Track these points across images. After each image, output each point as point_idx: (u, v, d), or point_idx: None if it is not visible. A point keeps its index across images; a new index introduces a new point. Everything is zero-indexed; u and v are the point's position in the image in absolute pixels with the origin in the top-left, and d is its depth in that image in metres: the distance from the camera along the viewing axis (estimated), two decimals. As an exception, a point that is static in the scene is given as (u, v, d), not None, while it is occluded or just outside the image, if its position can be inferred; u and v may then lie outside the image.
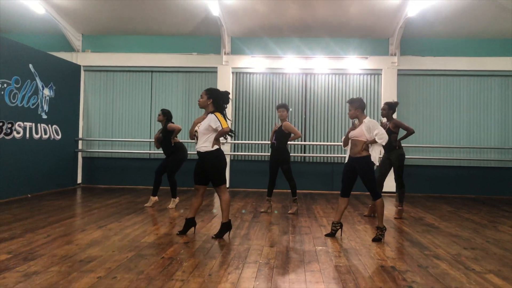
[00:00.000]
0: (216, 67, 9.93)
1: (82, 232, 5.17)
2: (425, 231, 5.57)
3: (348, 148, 5.11)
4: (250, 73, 10.07)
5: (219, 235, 4.98)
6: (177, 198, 7.24)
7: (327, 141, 9.89)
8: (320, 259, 4.18)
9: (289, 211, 6.77)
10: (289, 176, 6.72)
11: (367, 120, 5.01)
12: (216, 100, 4.93)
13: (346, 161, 5.16)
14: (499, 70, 9.62)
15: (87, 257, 4.08)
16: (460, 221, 6.40)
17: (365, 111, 5.19)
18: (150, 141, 10.07)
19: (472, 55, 9.65)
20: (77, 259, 4.02)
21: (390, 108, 6.45)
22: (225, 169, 5.03)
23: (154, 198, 7.24)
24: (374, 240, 4.97)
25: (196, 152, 5.00)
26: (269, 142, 6.90)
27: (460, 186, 9.68)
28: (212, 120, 4.83)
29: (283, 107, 6.68)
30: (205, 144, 4.86)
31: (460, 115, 9.80)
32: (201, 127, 4.88)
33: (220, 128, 4.81)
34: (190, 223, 5.13)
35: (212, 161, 4.86)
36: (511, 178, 9.62)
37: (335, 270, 3.84)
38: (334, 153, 9.91)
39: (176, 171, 7.03)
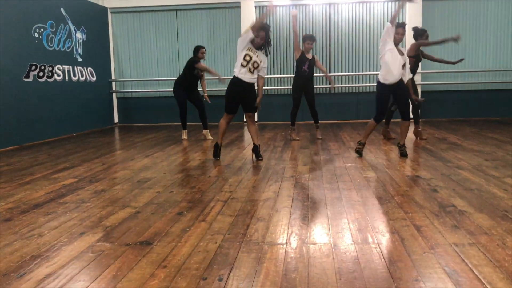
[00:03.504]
0: (239, 2, 9.97)
1: (132, 161, 5.74)
2: (449, 149, 5.90)
3: (381, 76, 5.28)
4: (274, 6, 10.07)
5: (260, 156, 5.48)
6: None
7: (352, 71, 10.02)
8: (350, 172, 4.62)
9: (319, 136, 7.17)
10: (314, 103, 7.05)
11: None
12: (267, 41, 5.21)
13: (381, 88, 5.35)
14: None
15: (142, 178, 4.64)
16: (483, 139, 6.68)
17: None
18: (179, 79, 10.43)
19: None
20: (135, 180, 4.57)
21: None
22: None
23: (206, 131, 7.70)
24: (403, 155, 5.33)
25: (239, 80, 5.17)
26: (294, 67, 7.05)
27: (485, 109, 9.82)
28: (266, 60, 5.25)
29: (311, 39, 6.85)
30: (255, 76, 5.22)
31: (487, 38, 9.68)
32: (263, 63, 5.18)
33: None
34: (220, 146, 5.62)
35: (255, 92, 5.35)
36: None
37: (364, 180, 4.28)
38: (359, 83, 10.09)
39: None
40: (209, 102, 7.67)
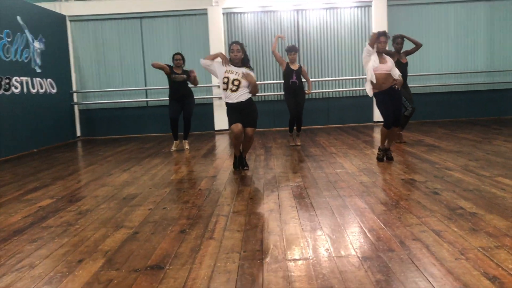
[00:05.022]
0: (206, 9, 9.77)
1: (110, 176, 5.38)
2: (429, 150, 6.00)
3: (374, 82, 5.24)
4: (241, 13, 9.97)
5: (246, 165, 5.36)
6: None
7: (321, 77, 10.08)
8: (344, 178, 4.55)
9: (298, 143, 7.11)
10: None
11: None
12: (245, 54, 5.08)
13: (372, 94, 5.31)
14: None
15: (128, 195, 4.33)
16: (457, 140, 6.87)
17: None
18: (146, 89, 10.08)
19: (460, -19, 9.79)
20: (120, 197, 4.26)
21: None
22: None
23: (185, 141, 7.45)
24: (389, 158, 5.35)
25: (227, 104, 5.09)
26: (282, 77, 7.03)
27: (451, 110, 10.17)
28: (251, 74, 5.02)
29: (294, 49, 6.81)
30: (246, 94, 5.02)
31: (449, 42, 10.06)
32: (244, 81, 4.97)
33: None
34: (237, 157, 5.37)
35: (255, 107, 5.16)
36: (498, 99, 10.16)
37: (361, 185, 4.21)
38: (329, 89, 10.16)
39: None
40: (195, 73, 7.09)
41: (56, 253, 2.83)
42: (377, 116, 10.01)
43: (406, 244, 2.64)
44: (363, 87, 10.13)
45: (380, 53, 5.22)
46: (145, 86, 10.11)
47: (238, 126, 4.96)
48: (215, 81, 9.90)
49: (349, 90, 10.13)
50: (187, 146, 7.39)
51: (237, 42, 5.09)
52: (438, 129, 8.37)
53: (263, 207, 3.64)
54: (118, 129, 10.25)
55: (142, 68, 10.13)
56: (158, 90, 10.01)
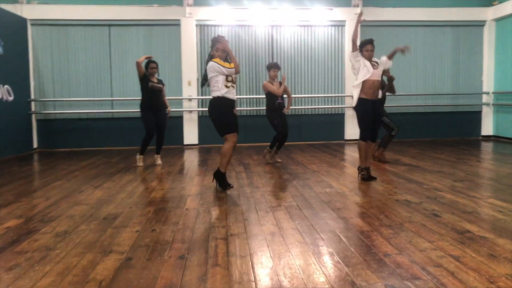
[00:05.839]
0: (179, 20, 9.51)
1: (81, 193, 4.95)
2: (410, 170, 6.02)
3: (361, 92, 5.21)
4: (215, 26, 9.78)
5: (229, 184, 5.10)
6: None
7: (295, 94, 10.03)
8: (337, 198, 4.42)
9: (278, 160, 6.96)
10: None
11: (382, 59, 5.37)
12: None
13: (355, 105, 5.24)
14: (451, 21, 10.26)
15: (108, 215, 3.96)
16: (433, 160, 6.97)
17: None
18: (112, 100, 9.60)
19: (428, 6, 10.13)
20: (100, 217, 3.89)
21: None
22: None
23: (157, 156, 7.12)
24: (371, 178, 5.29)
25: (226, 99, 4.91)
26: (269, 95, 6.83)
27: (417, 130, 10.42)
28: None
29: (276, 66, 6.76)
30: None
31: (417, 64, 10.38)
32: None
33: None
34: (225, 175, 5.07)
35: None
36: (462, 121, 10.55)
37: (357, 206, 4.10)
38: (301, 105, 10.15)
39: None
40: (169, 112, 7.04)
41: (40, 284, 2.46)
42: (349, 134, 10.10)
43: (429, 271, 2.51)
44: (335, 105, 10.23)
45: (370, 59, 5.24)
46: (111, 97, 9.63)
47: (236, 136, 4.90)
48: (186, 94, 9.62)
49: (322, 108, 10.16)
50: (159, 161, 7.02)
51: (219, 40, 4.90)
52: (409, 149, 8.50)
53: (263, 230, 3.42)
54: (79, 142, 9.64)
55: (108, 78, 9.64)
56: (125, 101, 9.57)
